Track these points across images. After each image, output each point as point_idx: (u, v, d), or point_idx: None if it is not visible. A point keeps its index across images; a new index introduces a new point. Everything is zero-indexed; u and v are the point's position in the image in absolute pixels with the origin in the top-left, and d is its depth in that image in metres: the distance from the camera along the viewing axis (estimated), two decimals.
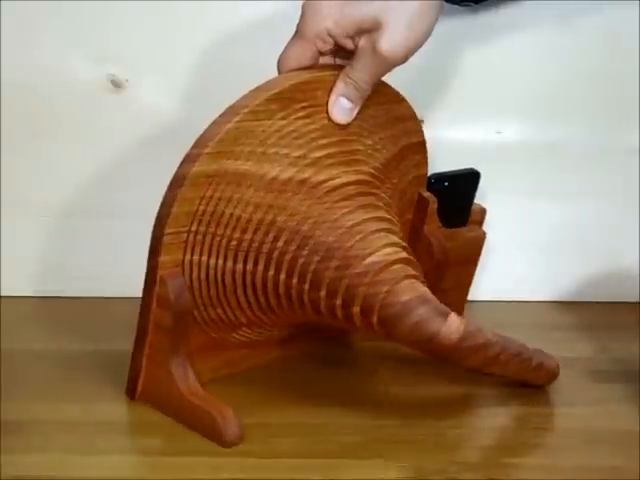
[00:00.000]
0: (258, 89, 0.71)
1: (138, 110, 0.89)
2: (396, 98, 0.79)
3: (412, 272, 0.71)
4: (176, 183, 0.70)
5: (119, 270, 0.92)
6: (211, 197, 0.70)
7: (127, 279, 0.90)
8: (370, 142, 0.76)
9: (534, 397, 0.79)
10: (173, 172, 0.70)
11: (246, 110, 0.70)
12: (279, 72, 0.73)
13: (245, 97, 0.71)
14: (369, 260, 0.70)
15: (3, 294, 0.91)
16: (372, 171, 0.75)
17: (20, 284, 0.92)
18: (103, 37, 0.88)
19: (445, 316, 0.69)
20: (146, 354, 0.73)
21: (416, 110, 0.82)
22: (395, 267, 0.71)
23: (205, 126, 0.70)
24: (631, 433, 0.74)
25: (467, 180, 0.86)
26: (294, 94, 0.71)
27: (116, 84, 0.89)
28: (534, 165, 0.94)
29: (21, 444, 0.70)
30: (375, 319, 0.70)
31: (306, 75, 0.72)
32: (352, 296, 0.70)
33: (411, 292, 0.70)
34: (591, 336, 0.90)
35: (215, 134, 0.69)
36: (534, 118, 0.93)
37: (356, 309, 0.70)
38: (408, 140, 0.81)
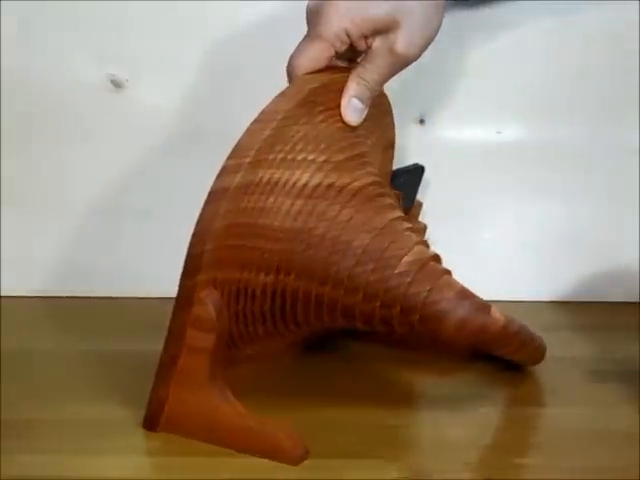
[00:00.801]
0: (283, 94, 0.69)
1: (138, 110, 0.89)
2: (381, 93, 0.78)
3: (446, 269, 0.71)
4: (216, 196, 0.66)
5: (124, 270, 0.92)
6: (245, 208, 0.68)
7: (133, 279, 0.91)
8: (370, 142, 0.76)
9: (533, 397, 0.79)
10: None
11: (280, 116, 0.68)
12: (291, 74, 0.71)
13: (274, 102, 0.69)
14: (406, 260, 0.69)
15: (3, 294, 0.91)
16: (377, 171, 0.75)
17: (20, 284, 0.92)
18: (103, 37, 0.88)
19: (487, 309, 0.69)
20: (174, 380, 0.69)
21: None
22: (431, 265, 0.70)
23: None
24: (631, 434, 0.74)
25: (416, 175, 0.85)
26: (315, 98, 0.70)
27: (116, 84, 0.89)
28: (534, 165, 0.94)
29: (21, 444, 0.69)
30: (417, 318, 0.69)
31: (323, 77, 0.71)
32: (393, 297, 0.69)
33: (452, 288, 0.69)
34: (591, 336, 0.90)
35: (254, 142, 0.67)
36: (534, 118, 0.93)
37: (396, 310, 0.69)
38: (387, 137, 0.81)
